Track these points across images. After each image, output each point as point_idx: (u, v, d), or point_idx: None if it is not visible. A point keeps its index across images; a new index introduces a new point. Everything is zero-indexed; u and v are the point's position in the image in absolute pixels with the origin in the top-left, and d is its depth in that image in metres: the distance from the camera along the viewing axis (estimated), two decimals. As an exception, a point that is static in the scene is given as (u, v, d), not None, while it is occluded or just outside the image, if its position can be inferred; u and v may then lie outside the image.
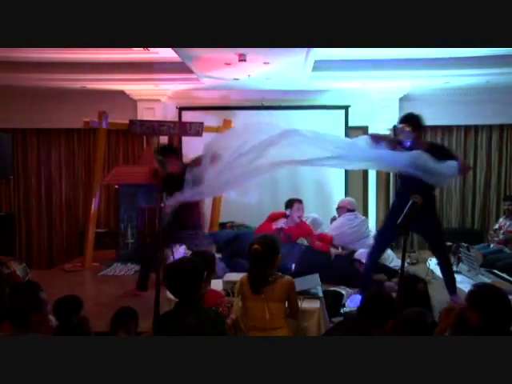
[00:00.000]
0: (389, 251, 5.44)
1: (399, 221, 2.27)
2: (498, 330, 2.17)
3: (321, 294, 3.49)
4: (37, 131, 7.90)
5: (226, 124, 7.09)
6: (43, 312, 2.56)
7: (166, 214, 3.49)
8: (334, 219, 6.27)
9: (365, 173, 7.67)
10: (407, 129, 4.08)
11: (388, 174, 7.51)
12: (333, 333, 2.77)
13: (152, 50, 5.63)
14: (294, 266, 4.92)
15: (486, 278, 5.14)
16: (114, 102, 7.25)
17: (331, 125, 7.15)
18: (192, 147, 7.52)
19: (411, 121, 4.13)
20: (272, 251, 2.94)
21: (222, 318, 2.57)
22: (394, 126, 4.61)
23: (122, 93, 7.33)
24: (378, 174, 7.53)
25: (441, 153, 3.99)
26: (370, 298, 2.56)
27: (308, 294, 3.40)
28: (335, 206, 6.31)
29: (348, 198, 6.41)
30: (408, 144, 4.07)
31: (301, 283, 3.38)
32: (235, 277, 3.43)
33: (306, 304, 3.25)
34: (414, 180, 3.63)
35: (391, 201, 7.57)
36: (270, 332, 2.82)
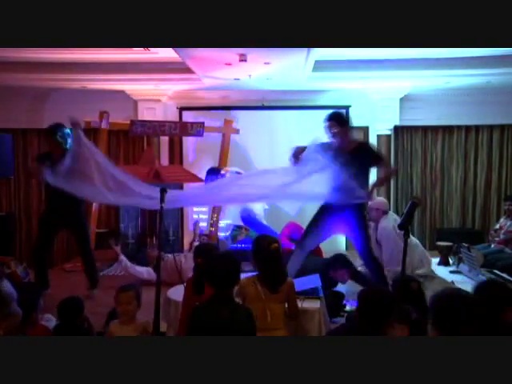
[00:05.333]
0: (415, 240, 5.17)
1: (399, 222, 2.28)
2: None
3: (321, 294, 3.48)
4: (37, 131, 7.89)
5: (227, 124, 7.09)
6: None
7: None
8: None
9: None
10: (334, 128, 3.96)
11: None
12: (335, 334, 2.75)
13: (152, 49, 5.62)
14: None
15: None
16: (115, 102, 7.24)
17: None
18: (193, 147, 7.56)
19: (336, 119, 4.02)
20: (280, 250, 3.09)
21: (253, 317, 2.56)
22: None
23: (122, 93, 7.32)
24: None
25: (368, 153, 3.99)
26: (366, 296, 2.45)
27: (308, 294, 3.39)
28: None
29: (381, 198, 5.77)
30: (337, 144, 3.97)
31: (301, 283, 3.38)
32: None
33: (306, 304, 3.24)
34: None
35: (391, 200, 7.58)
36: (269, 332, 2.83)
